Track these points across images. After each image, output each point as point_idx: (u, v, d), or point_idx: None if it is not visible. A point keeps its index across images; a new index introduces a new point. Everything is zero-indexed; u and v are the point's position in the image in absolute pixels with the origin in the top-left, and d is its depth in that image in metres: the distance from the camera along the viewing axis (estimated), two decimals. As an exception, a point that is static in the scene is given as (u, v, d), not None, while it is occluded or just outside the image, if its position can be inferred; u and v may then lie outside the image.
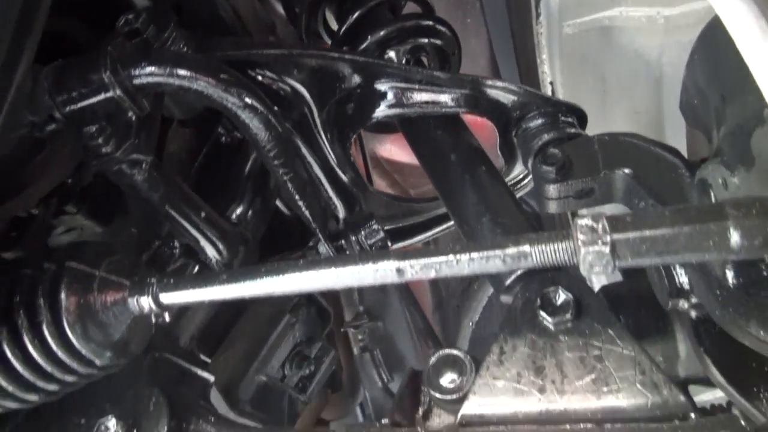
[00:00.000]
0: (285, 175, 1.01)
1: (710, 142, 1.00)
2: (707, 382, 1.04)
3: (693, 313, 0.93)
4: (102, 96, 0.84)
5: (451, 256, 0.65)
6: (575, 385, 0.82)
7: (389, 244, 1.26)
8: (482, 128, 1.26)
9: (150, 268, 0.97)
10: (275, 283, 0.73)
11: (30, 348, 0.75)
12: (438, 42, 1.23)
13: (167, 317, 0.80)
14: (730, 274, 0.79)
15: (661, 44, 1.28)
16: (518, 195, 1.34)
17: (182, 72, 0.85)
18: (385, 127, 1.43)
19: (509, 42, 1.43)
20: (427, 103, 1.12)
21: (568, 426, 0.80)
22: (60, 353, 0.76)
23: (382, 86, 1.10)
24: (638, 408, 0.80)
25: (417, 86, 1.09)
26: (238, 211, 1.26)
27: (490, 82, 1.08)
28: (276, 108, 1.02)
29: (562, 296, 0.86)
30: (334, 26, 1.42)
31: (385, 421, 0.90)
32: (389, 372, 1.86)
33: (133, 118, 0.86)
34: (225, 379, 1.31)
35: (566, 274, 0.95)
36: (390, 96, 1.11)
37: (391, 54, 1.21)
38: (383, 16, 1.31)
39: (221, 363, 1.31)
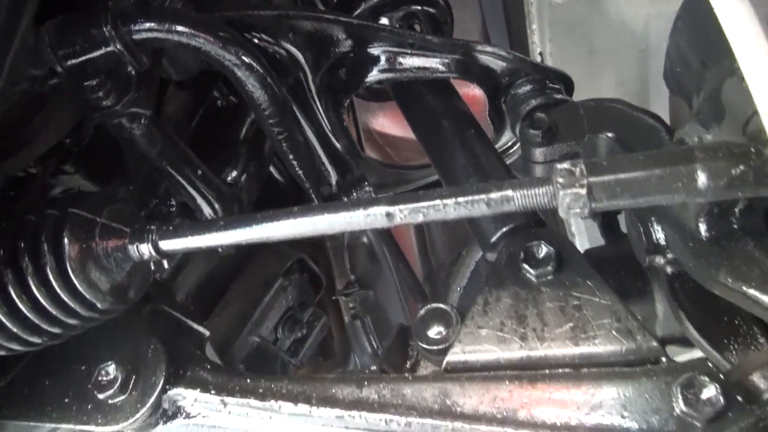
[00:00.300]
0: (280, 135, 1.04)
1: (691, 109, 1.04)
2: (684, 342, 1.09)
3: (669, 269, 0.98)
4: (102, 50, 0.86)
5: (438, 201, 0.69)
6: (555, 332, 0.86)
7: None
8: (474, 103, 1.29)
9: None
10: (270, 229, 0.76)
11: (35, 290, 0.78)
12: (431, 10, 1.26)
13: (165, 264, 0.83)
14: (702, 227, 0.83)
15: (647, 15, 1.31)
16: (507, 162, 1.38)
17: (181, 28, 0.87)
18: (378, 95, 1.46)
19: (501, 13, 1.46)
20: (418, 68, 1.15)
21: (547, 371, 0.85)
22: (63, 296, 0.79)
23: (374, 50, 1.12)
24: (613, 353, 0.84)
25: (409, 51, 1.12)
26: (233, 174, 1.29)
27: (480, 48, 1.11)
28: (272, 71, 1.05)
29: (544, 250, 0.90)
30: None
31: (373, 368, 0.94)
32: (379, 340, 1.91)
33: (133, 72, 0.89)
34: (219, 338, 1.35)
35: (548, 231, 0.99)
36: (382, 60, 1.14)
37: (384, 21, 1.24)
38: (377, -18, 1.33)
39: (216, 323, 1.34)
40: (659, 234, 0.94)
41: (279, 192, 1.50)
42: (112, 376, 0.89)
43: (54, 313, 0.80)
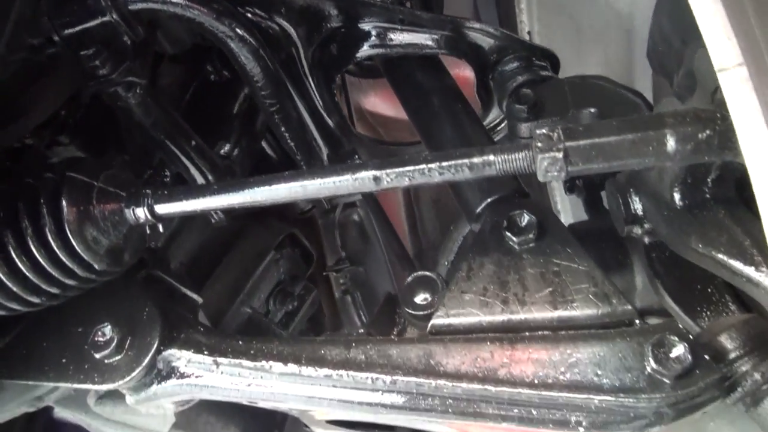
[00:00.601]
0: (272, 107, 1.07)
1: (672, 87, 1.08)
2: (662, 314, 1.14)
3: (646, 239, 1.02)
4: (99, 20, 0.88)
5: (423, 165, 0.72)
6: (535, 297, 0.90)
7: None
8: (464, 84, 1.32)
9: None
10: (262, 193, 0.79)
11: (34, 251, 0.81)
12: (421, -14, 1.28)
13: (161, 228, 0.86)
14: (677, 197, 0.87)
15: (633, -3, 1.35)
16: (495, 140, 1.41)
17: (176, -1, 0.90)
18: (369, 72, 1.48)
19: (490, -7, 1.49)
20: (408, 44, 1.18)
21: (527, 333, 0.89)
22: (62, 256, 0.82)
23: (365, 26, 1.15)
24: (590, 316, 0.88)
25: (399, 26, 1.14)
26: (226, 147, 1.31)
27: (469, 24, 1.14)
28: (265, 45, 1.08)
29: (526, 218, 0.94)
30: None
31: (361, 331, 0.98)
32: (369, 315, 1.95)
33: (129, 42, 0.91)
34: (212, 309, 1.38)
35: (531, 201, 1.02)
36: (373, 36, 1.17)
37: (375, -4, 1.25)
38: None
39: (209, 294, 1.38)
40: (637, 205, 0.98)
41: (271, 167, 1.52)
42: (108, 337, 0.92)
43: (53, 273, 0.83)
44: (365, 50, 1.19)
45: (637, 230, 1.01)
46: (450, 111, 1.14)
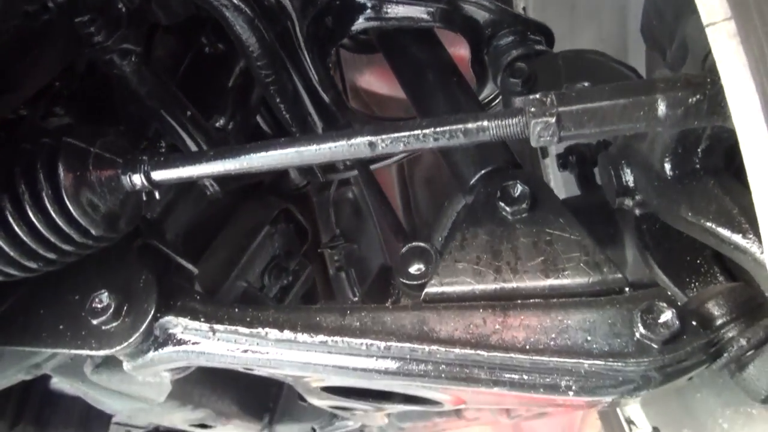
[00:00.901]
0: (267, 78, 1.07)
1: (664, 61, 1.09)
2: (652, 287, 1.16)
3: (636, 211, 1.04)
4: (94, -14, 0.88)
5: (418, 131, 0.73)
6: (528, 265, 0.92)
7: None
8: (460, 63, 1.32)
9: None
10: (259, 159, 0.80)
11: (31, 215, 0.81)
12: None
13: (157, 195, 0.87)
14: (667, 167, 0.89)
15: (628, -28, 1.35)
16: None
17: (171, -34, 0.89)
18: (364, 46, 1.48)
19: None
20: (403, 17, 1.18)
21: (519, 301, 0.90)
22: (59, 221, 0.82)
23: (360, -3, 1.15)
24: (581, 284, 0.89)
25: (394, -1, 1.14)
26: (221, 121, 1.32)
27: (464, -3, 1.14)
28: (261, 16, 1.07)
29: (519, 189, 0.95)
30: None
31: (355, 299, 1.00)
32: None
33: (124, 10, 0.91)
34: (207, 282, 1.39)
35: (524, 172, 1.04)
36: (368, 8, 1.17)
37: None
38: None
39: (204, 267, 1.38)
40: (628, 176, 0.99)
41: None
42: (105, 304, 0.93)
43: (49, 238, 0.83)
44: (360, 23, 1.19)
45: (629, 202, 1.02)
46: (445, 84, 1.15)
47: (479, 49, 1.23)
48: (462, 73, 1.21)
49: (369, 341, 0.90)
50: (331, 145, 0.76)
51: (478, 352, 0.87)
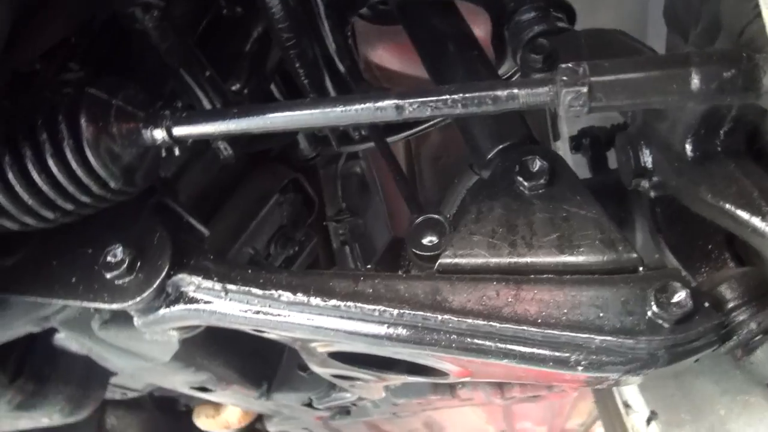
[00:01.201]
0: (288, 42, 1.06)
1: (686, 44, 1.08)
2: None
3: (652, 193, 1.04)
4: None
5: (446, 96, 0.72)
6: (542, 240, 0.92)
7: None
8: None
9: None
10: (283, 119, 0.79)
11: (51, 164, 0.81)
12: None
13: (177, 152, 0.86)
14: (689, 147, 0.89)
15: (654, -46, 1.33)
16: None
17: None
18: (382, 17, 1.47)
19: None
20: (427, -13, 1.17)
21: (532, 276, 0.91)
22: (78, 171, 0.82)
23: (384, -35, 1.13)
24: (595, 262, 0.90)
25: (418, -33, 1.13)
26: (236, 86, 1.30)
27: (488, -31, 1.13)
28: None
29: (538, 164, 0.95)
30: None
31: (369, 266, 1.00)
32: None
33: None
34: (215, 246, 1.39)
35: (543, 148, 1.03)
36: (392, -24, 1.15)
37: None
38: None
39: (213, 231, 1.38)
40: (647, 157, 0.99)
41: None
42: (119, 258, 0.93)
43: (68, 188, 0.83)
44: (383, -9, 1.18)
45: (645, 183, 1.02)
46: (465, 57, 1.14)
47: (500, 24, 1.22)
48: (482, 46, 1.20)
49: (382, 308, 0.90)
50: (358, 107, 0.75)
51: (491, 323, 0.87)
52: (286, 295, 0.93)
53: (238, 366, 1.63)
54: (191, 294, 0.97)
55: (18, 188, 0.81)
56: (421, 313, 0.89)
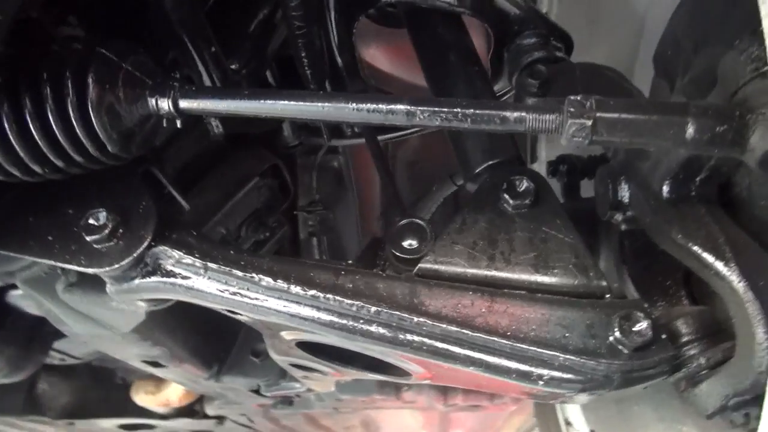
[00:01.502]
0: (299, 30, 1.07)
1: (671, 92, 1.15)
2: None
3: (623, 226, 1.09)
4: None
5: (458, 109, 0.75)
6: (520, 258, 0.96)
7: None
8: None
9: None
10: (294, 108, 0.80)
11: (51, 118, 0.79)
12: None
13: (178, 123, 0.86)
14: (665, 189, 0.95)
15: (650, 1, 1.40)
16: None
17: None
18: (387, 18, 1.49)
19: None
20: (438, -3, 1.19)
21: (506, 290, 0.94)
22: (78, 130, 0.81)
23: (398, -30, 1.15)
24: (567, 284, 0.94)
25: (432, -23, 1.15)
26: (235, 65, 1.30)
27: (499, -11, 1.17)
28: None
29: (525, 184, 0.99)
30: None
31: (349, 262, 1.02)
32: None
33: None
34: (192, 221, 1.38)
35: (530, 170, 1.08)
36: (406, -18, 1.17)
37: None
38: None
39: (191, 206, 1.37)
40: (624, 192, 1.05)
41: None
42: (102, 222, 0.92)
43: (64, 145, 0.81)
44: (395, -6, 1.20)
45: (619, 216, 1.08)
46: (465, 70, 1.17)
47: (502, 43, 1.26)
48: (483, 63, 1.23)
49: (360, 303, 0.93)
50: (371, 106, 0.77)
51: (463, 330, 0.90)
52: (267, 281, 0.94)
53: (192, 345, 1.62)
54: (169, 267, 0.96)
55: (11, 137, 0.79)
56: (398, 313, 0.92)
